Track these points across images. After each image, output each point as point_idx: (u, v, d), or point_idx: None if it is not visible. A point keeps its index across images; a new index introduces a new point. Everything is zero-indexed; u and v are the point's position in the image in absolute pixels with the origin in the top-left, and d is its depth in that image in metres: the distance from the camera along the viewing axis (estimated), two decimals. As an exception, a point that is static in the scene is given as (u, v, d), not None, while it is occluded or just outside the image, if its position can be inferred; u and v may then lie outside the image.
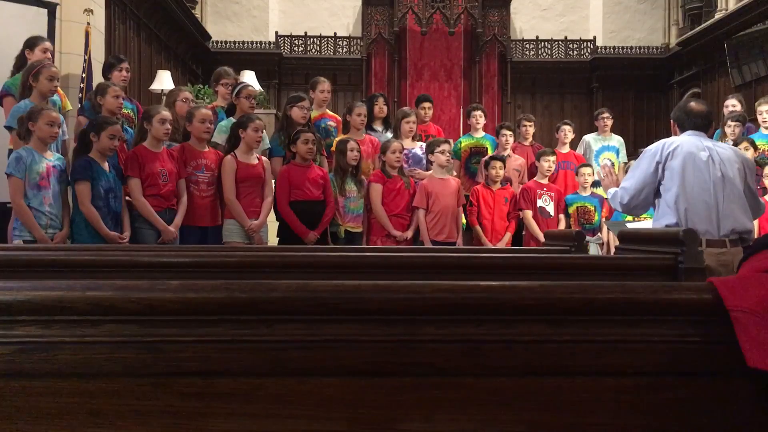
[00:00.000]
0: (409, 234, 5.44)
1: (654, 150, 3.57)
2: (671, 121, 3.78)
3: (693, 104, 3.71)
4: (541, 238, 5.72)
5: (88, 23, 6.84)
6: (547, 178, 6.25)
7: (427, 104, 6.52)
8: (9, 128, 4.65)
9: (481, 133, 6.78)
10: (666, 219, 3.46)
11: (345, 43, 12.93)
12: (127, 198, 4.65)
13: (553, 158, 6.26)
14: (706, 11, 11.66)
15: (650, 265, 2.26)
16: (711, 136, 3.88)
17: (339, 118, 5.97)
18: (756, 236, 4.02)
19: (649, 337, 1.26)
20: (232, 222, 4.84)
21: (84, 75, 6.62)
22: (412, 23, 12.66)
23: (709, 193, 3.39)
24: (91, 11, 6.94)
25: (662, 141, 3.61)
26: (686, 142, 3.53)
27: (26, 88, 4.59)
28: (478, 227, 5.93)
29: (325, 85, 5.85)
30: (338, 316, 1.23)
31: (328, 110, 6.03)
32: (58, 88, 4.92)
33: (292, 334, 1.22)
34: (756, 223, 4.62)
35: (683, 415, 1.25)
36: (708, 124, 3.67)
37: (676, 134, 3.70)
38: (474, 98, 12.36)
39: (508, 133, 6.61)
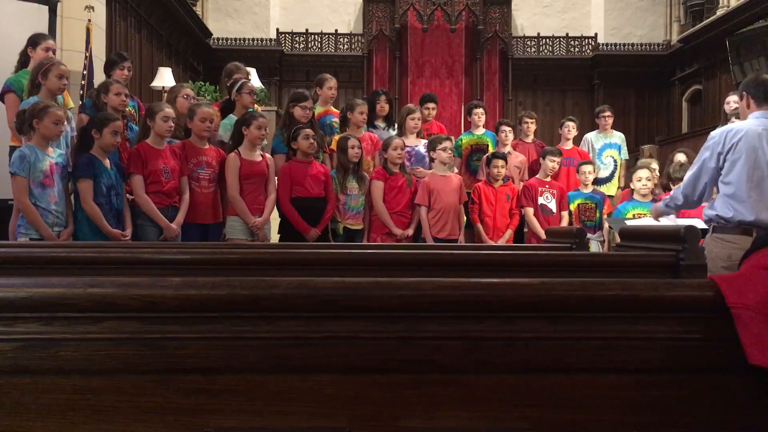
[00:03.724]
0: (410, 232, 5.44)
1: (717, 140, 3.55)
2: (743, 94, 3.67)
3: (766, 75, 3.68)
4: (542, 236, 5.71)
5: (89, 20, 6.84)
6: (550, 177, 6.24)
7: (431, 104, 6.51)
8: None
9: (482, 131, 6.77)
10: (721, 210, 3.48)
11: (346, 40, 12.92)
12: (130, 195, 4.65)
13: (558, 159, 6.25)
14: (707, 8, 11.65)
15: (651, 262, 2.26)
16: None
17: (342, 114, 5.98)
18: None
19: (650, 334, 1.26)
20: (235, 219, 4.84)
21: (85, 72, 6.63)
22: (413, 20, 12.65)
23: (766, 192, 3.41)
24: (92, 8, 6.95)
25: (726, 129, 3.57)
26: (751, 132, 3.47)
27: (35, 87, 4.59)
28: (479, 225, 5.93)
29: (332, 82, 5.88)
30: (339, 313, 1.23)
31: (332, 107, 6.04)
32: (60, 86, 4.92)
33: (293, 331, 1.22)
34: None
35: (684, 411, 1.25)
36: None
37: (747, 108, 3.62)
38: (475, 95, 12.35)
39: (508, 129, 6.60)
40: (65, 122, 4.47)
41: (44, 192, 4.20)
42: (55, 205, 4.23)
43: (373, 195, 5.36)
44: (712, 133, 3.66)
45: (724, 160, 3.49)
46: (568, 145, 6.98)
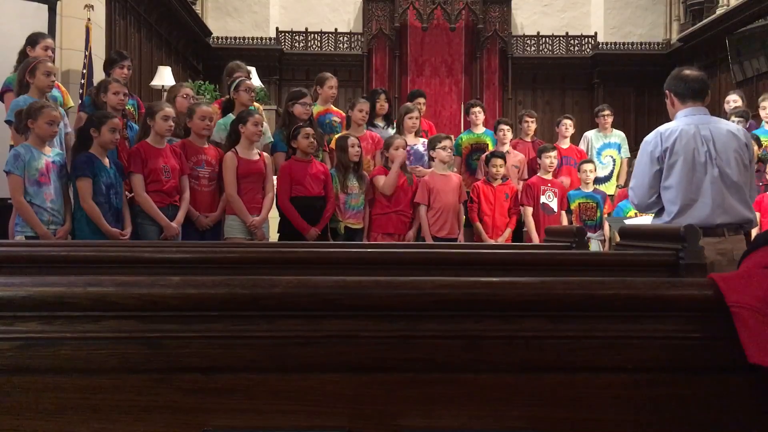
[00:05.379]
0: (411, 234, 5.44)
1: (653, 145, 3.43)
2: (666, 92, 3.55)
3: (687, 71, 3.55)
4: (535, 237, 5.74)
5: (89, 19, 6.85)
6: (551, 174, 6.24)
7: (421, 99, 6.52)
8: (9, 122, 4.66)
9: (481, 129, 6.76)
10: (665, 214, 3.42)
11: (346, 38, 12.92)
12: (129, 194, 4.66)
13: (554, 153, 6.25)
14: (707, 7, 11.65)
15: (651, 261, 2.26)
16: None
17: (344, 113, 5.97)
18: (757, 229, 3.99)
19: (649, 333, 1.26)
20: (233, 218, 4.84)
21: (84, 71, 6.63)
22: (413, 19, 12.65)
23: (706, 194, 3.33)
24: (92, 7, 6.95)
25: (658, 132, 3.44)
26: (685, 132, 3.36)
27: (23, 86, 4.60)
28: (478, 224, 5.93)
29: (332, 81, 5.89)
30: (339, 311, 1.23)
31: (332, 106, 6.04)
32: (60, 85, 4.93)
33: (292, 330, 1.22)
34: (758, 217, 4.57)
35: (683, 410, 1.25)
36: (706, 89, 3.52)
37: (672, 106, 3.52)
38: (475, 94, 12.35)
39: (506, 128, 6.59)
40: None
41: (39, 190, 4.20)
42: (50, 203, 4.24)
43: (376, 183, 5.36)
44: (647, 138, 3.53)
45: (662, 163, 3.37)
46: (566, 144, 6.97)
